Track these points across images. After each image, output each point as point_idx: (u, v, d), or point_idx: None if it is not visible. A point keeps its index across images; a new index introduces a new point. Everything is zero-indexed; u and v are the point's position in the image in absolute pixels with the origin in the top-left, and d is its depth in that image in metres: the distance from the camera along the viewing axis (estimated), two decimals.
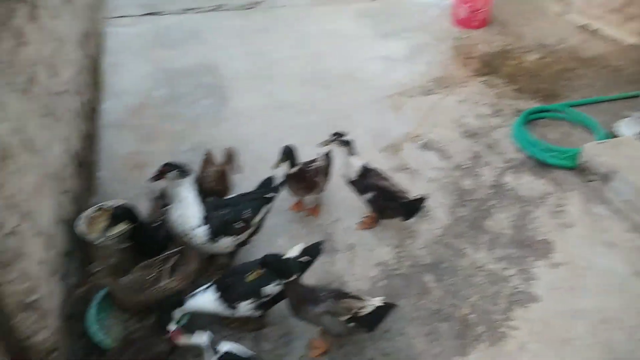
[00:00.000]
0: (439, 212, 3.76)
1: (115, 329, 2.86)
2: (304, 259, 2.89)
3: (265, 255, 2.68)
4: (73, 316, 2.74)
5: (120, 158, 4.30)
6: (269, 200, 3.27)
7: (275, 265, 2.66)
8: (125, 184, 3.99)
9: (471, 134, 4.56)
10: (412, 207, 3.41)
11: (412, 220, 3.55)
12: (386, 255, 3.43)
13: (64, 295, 2.66)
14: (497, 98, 5.06)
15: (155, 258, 2.96)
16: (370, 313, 2.69)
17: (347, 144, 3.42)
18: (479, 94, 5.13)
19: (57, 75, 3.38)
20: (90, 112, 4.44)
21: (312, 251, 2.97)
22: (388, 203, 3.43)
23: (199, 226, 2.88)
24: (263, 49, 5.97)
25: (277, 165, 3.39)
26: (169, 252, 2.99)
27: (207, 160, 3.70)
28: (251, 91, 5.22)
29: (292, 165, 3.45)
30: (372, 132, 4.59)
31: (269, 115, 4.86)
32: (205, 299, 2.75)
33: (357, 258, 3.41)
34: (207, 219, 2.90)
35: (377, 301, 2.73)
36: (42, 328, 2.34)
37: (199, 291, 2.77)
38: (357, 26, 6.53)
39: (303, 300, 2.67)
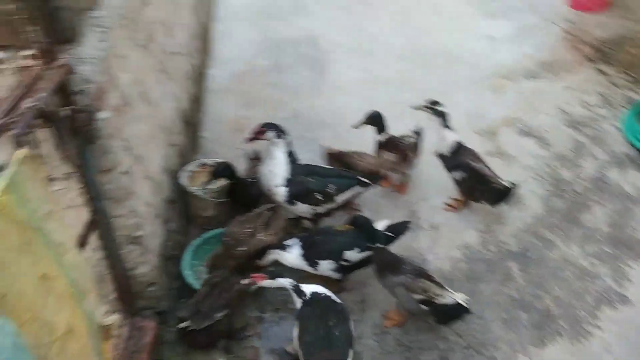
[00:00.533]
0: (532, 201, 3.63)
1: (205, 274, 3.09)
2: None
3: (356, 216, 2.76)
4: (170, 258, 2.99)
5: (222, 121, 4.55)
6: (362, 184, 3.26)
7: (364, 227, 2.74)
8: (225, 144, 4.22)
9: (575, 123, 4.32)
10: (502, 193, 3.31)
11: (502, 206, 3.47)
12: (471, 238, 3.39)
13: (164, 237, 2.91)
14: (609, 87, 4.73)
15: (250, 213, 3.12)
16: (445, 305, 2.65)
17: (441, 114, 3.35)
18: (588, 82, 4.81)
19: (172, 36, 3.63)
20: (199, 76, 4.72)
21: (398, 229, 3.01)
22: (478, 185, 3.36)
23: (280, 186, 3.03)
24: (365, 24, 5.96)
25: (358, 125, 3.42)
26: (263, 208, 3.14)
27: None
28: (350, 65, 5.26)
29: (380, 131, 3.47)
30: (469, 113, 4.47)
31: (365, 89, 4.89)
32: (291, 254, 2.89)
33: (441, 238, 3.40)
34: (289, 182, 3.03)
35: (459, 298, 2.65)
36: (144, 262, 2.59)
37: (286, 245, 2.91)
38: (462, 3, 6.31)
39: (386, 266, 2.73)
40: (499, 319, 2.91)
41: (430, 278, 2.73)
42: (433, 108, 3.35)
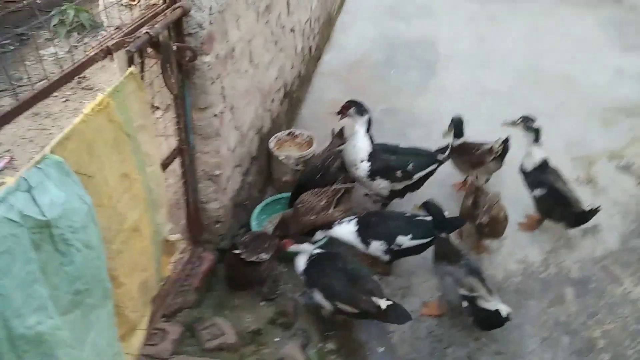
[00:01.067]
0: (609, 235, 3.46)
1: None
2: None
3: (429, 201, 2.88)
4: (241, 206, 3.31)
5: (324, 103, 4.82)
6: (437, 161, 3.41)
7: (435, 212, 2.85)
8: (320, 123, 4.47)
9: None
10: (582, 217, 3.23)
11: (575, 233, 3.37)
12: (534, 256, 3.33)
13: (239, 185, 3.23)
14: None
15: (326, 188, 3.33)
16: (486, 310, 2.65)
17: (533, 130, 3.34)
18: None
19: (291, 14, 3.96)
20: (312, 58, 5.05)
21: (452, 223, 3.06)
22: (557, 206, 3.30)
23: (365, 161, 3.22)
24: (487, 36, 5.96)
25: (445, 135, 3.50)
26: (339, 186, 3.33)
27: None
28: (461, 73, 5.31)
29: (457, 136, 3.52)
30: (570, 140, 4.34)
31: (470, 97, 4.91)
32: (347, 229, 3.08)
33: (503, 248, 3.38)
34: (371, 157, 3.22)
35: (501, 307, 2.63)
36: (216, 200, 2.91)
37: (345, 221, 3.10)
38: (597, 32, 6.06)
39: (445, 254, 2.82)
40: (539, 337, 2.85)
41: (482, 279, 2.74)
42: (525, 124, 3.36)
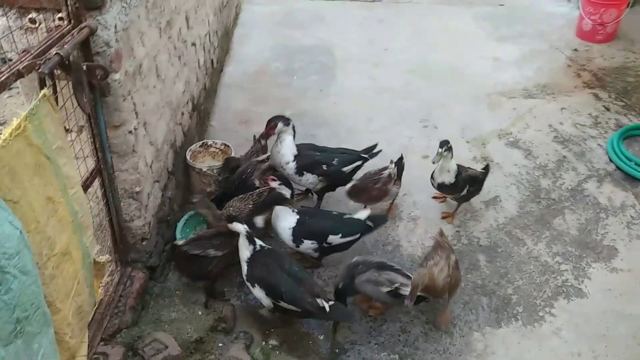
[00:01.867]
0: (508, 204, 3.86)
1: None
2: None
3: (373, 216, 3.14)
4: (164, 222, 3.30)
5: (232, 113, 4.91)
6: (362, 158, 3.66)
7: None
8: (231, 134, 4.56)
9: (563, 140, 4.55)
10: (484, 176, 3.69)
11: (479, 205, 3.74)
12: (446, 231, 3.59)
13: (160, 201, 3.22)
14: (602, 111, 4.96)
15: (250, 192, 3.42)
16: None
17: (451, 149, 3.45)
18: (583, 105, 5.05)
19: (190, 28, 4.00)
20: (215, 71, 5.10)
21: (377, 220, 3.29)
22: (476, 191, 3.68)
23: (290, 162, 3.46)
24: (378, 38, 6.32)
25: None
26: (262, 189, 3.44)
27: None
28: (358, 74, 5.60)
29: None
30: (463, 123, 4.76)
31: (369, 96, 5.21)
32: (285, 223, 3.16)
33: (418, 228, 3.66)
34: (297, 157, 3.46)
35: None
36: (139, 217, 2.89)
37: (288, 214, 3.19)
38: (474, 27, 6.63)
39: (353, 270, 2.96)
40: (461, 302, 3.13)
41: (392, 268, 2.94)
42: (449, 147, 3.43)
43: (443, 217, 3.75)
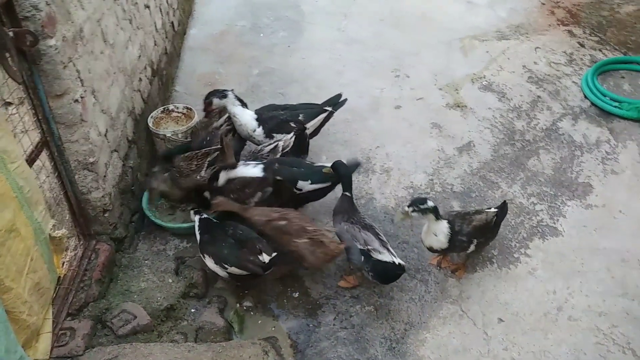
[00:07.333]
0: (482, 149, 3.79)
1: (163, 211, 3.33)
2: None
3: (339, 162, 2.97)
4: (128, 192, 3.20)
5: (197, 76, 4.74)
6: (326, 112, 3.53)
7: (341, 171, 2.96)
8: (197, 98, 4.38)
9: (537, 80, 4.45)
10: None
11: (453, 152, 3.66)
12: (419, 180, 3.56)
13: (121, 171, 3.12)
14: (576, 47, 4.84)
15: (196, 151, 3.30)
16: (382, 262, 2.67)
17: (429, 210, 2.76)
18: (557, 43, 4.93)
19: None
20: (176, 34, 4.90)
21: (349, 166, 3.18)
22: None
23: (256, 129, 3.35)
24: None
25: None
26: (210, 148, 3.32)
27: None
28: (327, 26, 5.42)
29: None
30: (436, 71, 4.63)
31: (338, 49, 5.04)
32: (252, 172, 3.08)
33: (391, 180, 3.58)
34: (260, 121, 3.35)
35: (396, 260, 2.66)
36: (97, 188, 2.79)
37: (251, 164, 3.11)
38: None
39: (342, 211, 2.92)
40: None
41: (376, 234, 2.81)
42: (419, 208, 2.75)
43: (453, 271, 2.98)
